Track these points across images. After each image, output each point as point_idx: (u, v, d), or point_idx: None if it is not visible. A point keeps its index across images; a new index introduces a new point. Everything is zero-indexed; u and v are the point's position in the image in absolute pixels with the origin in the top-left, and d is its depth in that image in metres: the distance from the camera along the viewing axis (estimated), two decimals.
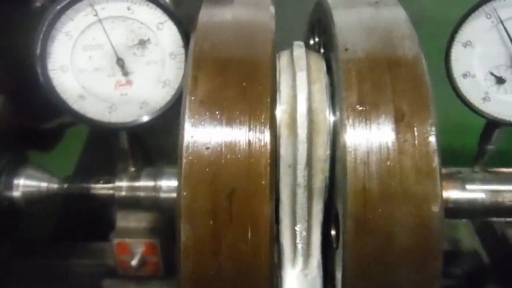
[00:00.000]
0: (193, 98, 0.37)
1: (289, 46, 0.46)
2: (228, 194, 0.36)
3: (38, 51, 0.49)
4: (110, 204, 0.75)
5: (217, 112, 0.37)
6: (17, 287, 0.87)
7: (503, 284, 0.89)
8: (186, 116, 0.36)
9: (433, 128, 0.37)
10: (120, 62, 0.52)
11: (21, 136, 0.71)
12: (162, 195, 0.59)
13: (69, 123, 1.16)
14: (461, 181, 0.69)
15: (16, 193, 0.61)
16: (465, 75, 0.60)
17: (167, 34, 0.52)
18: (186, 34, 0.52)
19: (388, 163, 0.36)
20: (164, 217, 0.89)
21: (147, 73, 0.53)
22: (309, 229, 0.42)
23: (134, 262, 0.90)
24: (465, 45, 0.58)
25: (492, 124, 0.62)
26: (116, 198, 0.60)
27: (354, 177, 0.36)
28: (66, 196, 0.63)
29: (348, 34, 0.40)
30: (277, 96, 0.41)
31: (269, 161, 0.36)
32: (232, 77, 0.38)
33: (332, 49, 0.42)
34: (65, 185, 0.62)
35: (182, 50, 0.52)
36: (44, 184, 0.62)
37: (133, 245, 0.90)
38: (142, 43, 0.52)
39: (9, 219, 0.64)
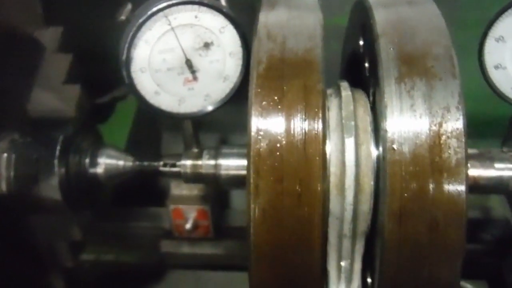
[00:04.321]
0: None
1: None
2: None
3: (123, 57, 0.57)
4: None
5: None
6: (91, 247, 1.02)
7: None
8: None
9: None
10: (188, 63, 0.59)
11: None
12: (222, 172, 0.65)
13: (119, 97, 1.27)
14: (490, 161, 0.74)
15: (99, 170, 0.72)
16: (496, 67, 0.65)
17: (227, 36, 0.59)
18: (244, 35, 0.59)
19: None
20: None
21: (210, 70, 0.61)
22: (352, 262, 0.50)
23: (188, 226, 1.01)
24: (497, 40, 0.63)
25: None
26: (182, 175, 0.69)
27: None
28: (138, 172, 0.73)
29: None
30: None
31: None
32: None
33: (378, 86, 0.47)
34: (137, 163, 0.72)
35: (240, 50, 0.60)
36: (121, 162, 0.72)
37: (186, 211, 1.01)
38: (207, 45, 0.60)
39: (93, 191, 0.75)
